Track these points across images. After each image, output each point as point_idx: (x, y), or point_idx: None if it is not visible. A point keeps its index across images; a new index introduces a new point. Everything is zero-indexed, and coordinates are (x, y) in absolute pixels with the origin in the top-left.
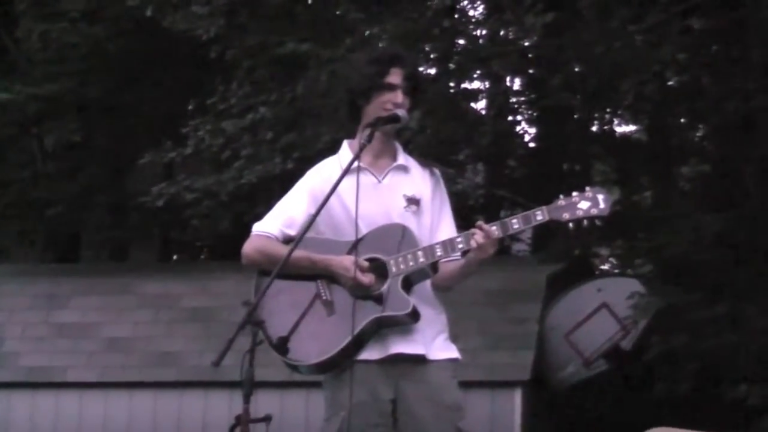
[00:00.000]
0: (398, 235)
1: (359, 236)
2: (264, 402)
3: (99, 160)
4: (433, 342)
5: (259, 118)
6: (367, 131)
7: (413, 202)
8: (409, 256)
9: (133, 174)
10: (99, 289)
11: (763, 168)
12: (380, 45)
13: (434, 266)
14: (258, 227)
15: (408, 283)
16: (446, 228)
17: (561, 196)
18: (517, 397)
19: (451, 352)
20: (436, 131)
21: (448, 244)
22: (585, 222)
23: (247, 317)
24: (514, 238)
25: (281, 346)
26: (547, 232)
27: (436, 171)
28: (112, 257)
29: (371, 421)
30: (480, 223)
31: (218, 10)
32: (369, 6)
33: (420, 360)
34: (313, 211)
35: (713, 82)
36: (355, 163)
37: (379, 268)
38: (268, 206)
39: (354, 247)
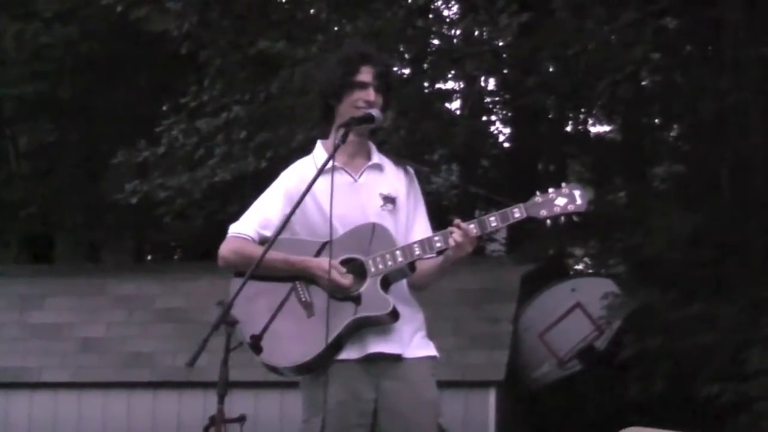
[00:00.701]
0: (371, 234)
1: (335, 236)
2: (238, 402)
3: (73, 161)
4: (411, 340)
5: (233, 117)
6: (341, 131)
7: (389, 200)
8: (388, 256)
9: (107, 174)
10: (73, 289)
11: (736, 167)
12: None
13: (412, 265)
14: (234, 228)
15: (386, 283)
16: (421, 226)
17: (538, 193)
18: (491, 396)
19: (429, 349)
20: (410, 131)
21: (426, 243)
22: (562, 218)
23: (221, 317)
24: (490, 238)
25: (257, 347)
26: (521, 232)
27: (410, 169)
28: (87, 258)
29: (351, 422)
30: (457, 221)
31: (191, 6)
32: (342, 5)
33: (398, 358)
34: (287, 210)
35: (687, 81)
36: (330, 163)
37: (357, 269)
38: (242, 205)
39: (324, 248)
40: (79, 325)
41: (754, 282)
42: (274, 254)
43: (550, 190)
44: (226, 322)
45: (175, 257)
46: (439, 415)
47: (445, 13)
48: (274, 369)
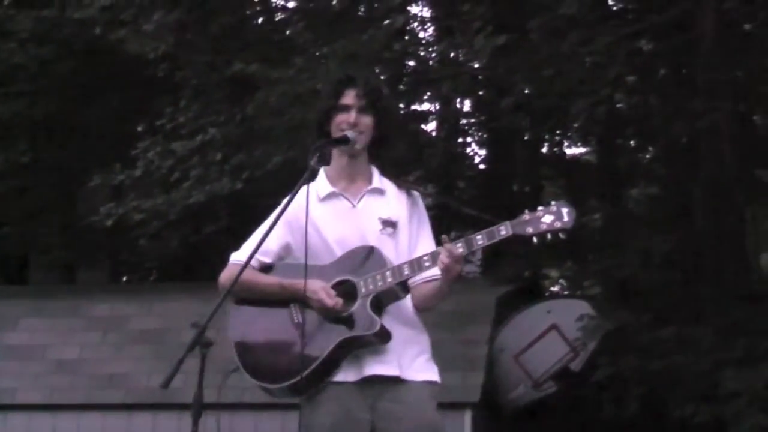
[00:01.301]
0: (365, 257)
1: (334, 260)
2: (213, 424)
3: (48, 181)
4: (412, 363)
5: (208, 139)
6: (317, 154)
7: (389, 224)
8: (378, 277)
9: (82, 195)
10: (47, 310)
11: (709, 189)
12: (329, 67)
13: (404, 286)
14: (234, 256)
15: (378, 304)
16: (424, 248)
17: (526, 211)
18: (467, 418)
19: (430, 374)
20: (385, 152)
21: (415, 263)
22: (549, 236)
23: (196, 339)
24: (466, 259)
25: (247, 368)
26: (497, 254)
27: (414, 192)
28: (61, 279)
29: None
30: (444, 239)
31: (167, 27)
32: (318, 27)
33: (396, 380)
34: (287, 238)
35: (661, 104)
36: (329, 189)
37: (348, 290)
38: (217, 227)
39: (318, 271)
40: (53, 346)
41: (728, 304)
42: (269, 279)
43: (539, 208)
44: (201, 343)
45: (150, 278)
46: None
47: (421, 35)
48: (268, 391)
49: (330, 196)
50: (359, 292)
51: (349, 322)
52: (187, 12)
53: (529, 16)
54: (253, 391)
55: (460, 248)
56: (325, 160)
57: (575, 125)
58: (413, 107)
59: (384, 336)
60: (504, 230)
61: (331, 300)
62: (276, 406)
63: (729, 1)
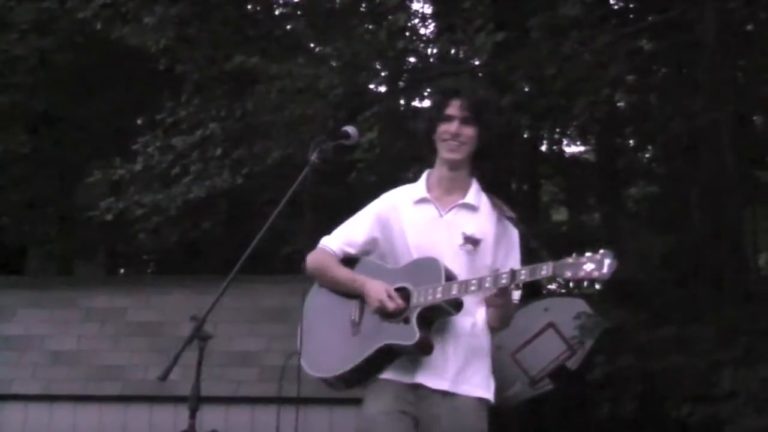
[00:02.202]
0: (428, 268)
1: (404, 264)
2: (209, 417)
3: (47, 173)
4: (466, 378)
5: (208, 134)
6: (317, 150)
7: (471, 241)
8: (430, 290)
9: (80, 187)
10: (44, 301)
11: (708, 190)
12: (333, 64)
13: (457, 304)
14: (324, 241)
15: (426, 316)
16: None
17: (574, 255)
18: None
19: (483, 391)
20: (385, 149)
21: (463, 286)
22: (585, 283)
23: (195, 332)
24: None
25: (304, 355)
26: None
27: (506, 221)
28: (58, 270)
29: (395, 429)
30: (493, 270)
31: (168, 21)
32: (319, 24)
33: (444, 394)
34: (375, 233)
35: (661, 103)
36: (423, 195)
37: (405, 298)
38: (217, 222)
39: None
40: (50, 337)
41: (726, 304)
42: (342, 270)
43: (586, 254)
44: (200, 336)
45: (148, 271)
46: None
47: (422, 31)
48: (322, 379)
49: (421, 201)
50: (411, 302)
51: (403, 330)
52: (190, 6)
53: (530, 14)
54: (251, 384)
55: (503, 280)
56: (325, 157)
57: (574, 124)
58: (413, 104)
59: (425, 348)
60: (545, 270)
61: (393, 303)
62: (273, 400)
63: (731, 1)
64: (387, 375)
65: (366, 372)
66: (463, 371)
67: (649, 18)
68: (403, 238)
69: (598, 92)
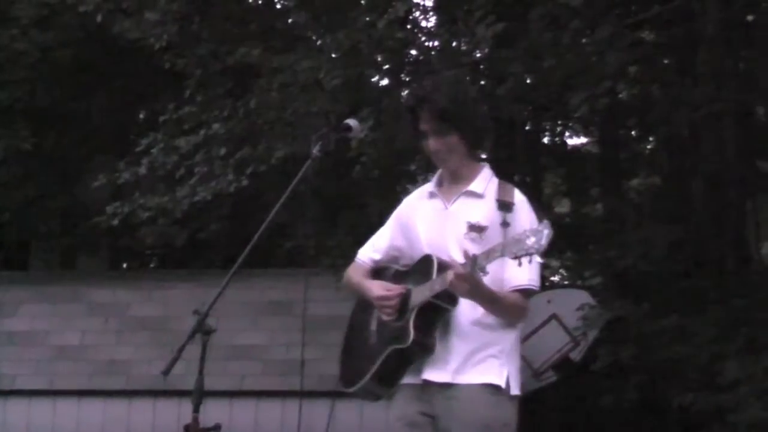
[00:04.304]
0: (427, 265)
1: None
2: (213, 411)
3: (49, 168)
4: (468, 368)
5: (212, 134)
6: (319, 143)
7: (475, 229)
8: (426, 289)
9: (83, 182)
10: (48, 297)
11: (710, 181)
12: (332, 56)
13: (450, 298)
14: (359, 252)
15: (423, 316)
16: (511, 268)
17: (523, 230)
18: None
19: (489, 376)
20: (387, 142)
21: (439, 280)
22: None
23: (197, 326)
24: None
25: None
26: None
27: (515, 206)
28: (62, 265)
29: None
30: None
31: (170, 16)
32: (320, 16)
33: (448, 386)
34: (397, 235)
35: (663, 94)
36: (431, 189)
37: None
38: (222, 223)
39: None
40: (54, 332)
41: (729, 294)
42: (359, 279)
43: (529, 227)
44: (203, 330)
45: (151, 265)
46: None
47: (424, 24)
48: (354, 393)
49: (430, 195)
50: (409, 304)
51: (401, 332)
52: (191, 0)
53: (530, 5)
54: (254, 378)
55: (459, 267)
56: (327, 149)
57: (576, 116)
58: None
59: (423, 348)
60: (498, 252)
61: (390, 298)
62: (277, 394)
63: None
64: (404, 379)
65: (385, 379)
66: (467, 362)
67: (653, 7)
68: (417, 235)
69: (597, 84)
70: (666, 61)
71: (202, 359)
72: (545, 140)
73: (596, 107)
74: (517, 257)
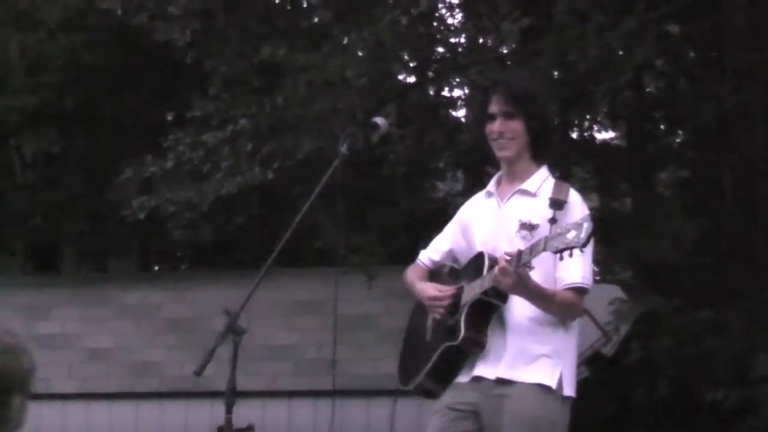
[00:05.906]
0: (478, 262)
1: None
2: (246, 412)
3: (78, 171)
4: (520, 365)
5: (238, 130)
6: (347, 141)
7: (526, 227)
8: (476, 286)
9: (112, 183)
10: (79, 299)
11: (740, 173)
12: (359, 54)
13: (499, 295)
14: (421, 253)
15: (478, 313)
16: (568, 264)
17: (564, 225)
18: None
19: (541, 377)
20: (415, 139)
21: (488, 276)
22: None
23: (229, 326)
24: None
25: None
26: None
27: (570, 205)
28: (92, 267)
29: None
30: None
31: (194, 12)
32: (345, 13)
33: (500, 381)
34: (457, 237)
35: (690, 87)
36: (489, 188)
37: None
38: (248, 217)
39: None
40: (86, 335)
41: (760, 286)
42: (412, 281)
43: (571, 221)
44: (234, 331)
45: (182, 267)
46: None
47: (449, 21)
48: (413, 390)
49: (488, 195)
50: (462, 302)
51: (453, 330)
52: None
53: (555, 0)
54: (286, 378)
55: (503, 261)
56: (355, 147)
57: (604, 110)
58: (442, 93)
59: (474, 345)
60: (541, 246)
61: (442, 299)
62: (309, 394)
63: None
64: (459, 378)
65: (440, 376)
66: (519, 359)
67: (677, 1)
68: (473, 235)
69: (621, 77)
70: (692, 54)
71: (234, 359)
72: (574, 135)
73: (623, 100)
74: (558, 251)
